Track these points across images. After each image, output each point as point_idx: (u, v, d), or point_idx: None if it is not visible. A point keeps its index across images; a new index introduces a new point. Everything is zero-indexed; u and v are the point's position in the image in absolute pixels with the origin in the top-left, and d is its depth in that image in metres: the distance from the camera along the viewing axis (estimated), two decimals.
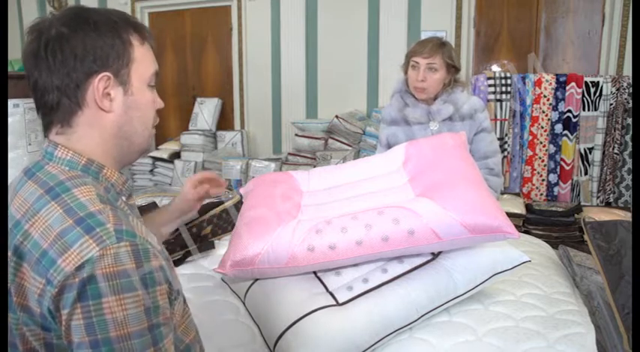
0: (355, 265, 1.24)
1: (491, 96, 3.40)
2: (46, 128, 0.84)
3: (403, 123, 2.04)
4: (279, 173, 1.64)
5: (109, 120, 0.83)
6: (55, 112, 0.82)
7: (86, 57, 0.79)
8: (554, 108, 3.36)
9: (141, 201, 2.39)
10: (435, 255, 1.23)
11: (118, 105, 0.83)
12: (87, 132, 0.83)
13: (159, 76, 0.90)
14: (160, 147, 4.82)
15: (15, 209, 0.78)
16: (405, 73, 2.00)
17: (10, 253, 0.75)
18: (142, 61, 0.85)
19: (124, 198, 0.87)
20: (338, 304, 1.14)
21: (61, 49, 0.78)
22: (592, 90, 3.31)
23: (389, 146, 2.11)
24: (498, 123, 3.39)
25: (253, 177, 4.05)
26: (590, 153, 3.40)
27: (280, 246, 1.18)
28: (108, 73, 0.81)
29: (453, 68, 1.94)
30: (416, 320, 1.17)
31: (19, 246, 0.74)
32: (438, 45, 1.92)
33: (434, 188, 1.24)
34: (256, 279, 1.28)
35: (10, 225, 0.77)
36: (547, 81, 3.36)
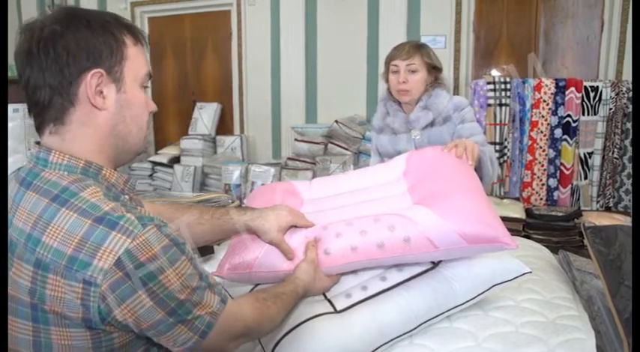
0: (354, 272, 1.23)
1: (491, 101, 3.41)
2: (39, 129, 0.84)
3: (389, 131, 2.04)
4: (282, 183, 1.65)
5: (102, 118, 0.83)
6: (48, 110, 0.82)
7: (79, 54, 0.79)
8: (554, 112, 3.37)
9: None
10: (435, 264, 1.22)
11: (111, 102, 0.83)
12: (81, 130, 0.83)
13: (152, 78, 0.90)
14: (159, 151, 4.82)
15: (22, 222, 0.77)
16: (386, 80, 1.99)
17: (31, 268, 0.75)
18: (135, 59, 0.85)
19: (126, 197, 0.87)
20: (336, 311, 1.13)
21: (54, 46, 0.78)
22: (591, 94, 3.32)
23: (379, 154, 2.11)
24: (498, 127, 3.39)
25: (253, 181, 4.06)
26: (590, 157, 3.40)
27: (277, 250, 1.18)
28: (100, 70, 0.81)
29: (433, 69, 1.93)
30: (414, 329, 1.17)
31: (40, 258, 0.74)
32: (416, 46, 1.93)
33: (432, 196, 1.23)
34: (255, 286, 1.28)
35: (22, 240, 0.76)
36: (546, 85, 3.36)
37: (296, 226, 1.21)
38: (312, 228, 1.22)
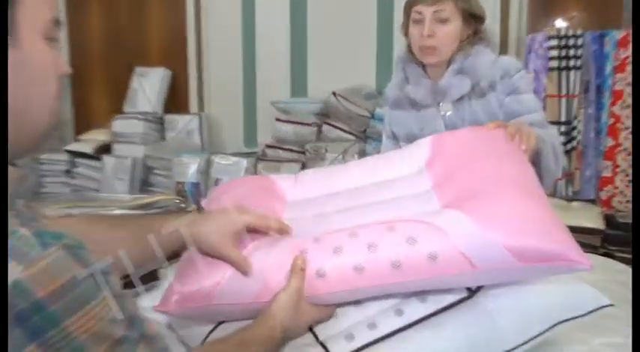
0: (357, 303, 1.23)
1: (554, 63, 3.42)
2: None
3: (408, 105, 2.06)
4: (255, 177, 1.66)
5: None
6: None
7: None
8: None
9: (51, 213, 2.38)
10: (472, 292, 1.23)
11: None
12: None
13: (62, 27, 0.89)
14: (80, 137, 4.81)
15: None
16: (406, 35, 2.01)
17: None
18: (33, 0, 0.83)
19: (21, 203, 0.85)
20: None
21: None
22: None
23: (394, 137, 2.11)
24: (564, 100, 3.40)
25: (217, 178, 4.08)
26: None
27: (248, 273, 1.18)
28: None
29: (472, 18, 1.95)
30: None
31: None
32: None
33: (468, 196, 1.24)
34: (220, 323, 1.27)
35: None
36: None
37: (256, 230, 1.23)
38: (298, 241, 1.22)
